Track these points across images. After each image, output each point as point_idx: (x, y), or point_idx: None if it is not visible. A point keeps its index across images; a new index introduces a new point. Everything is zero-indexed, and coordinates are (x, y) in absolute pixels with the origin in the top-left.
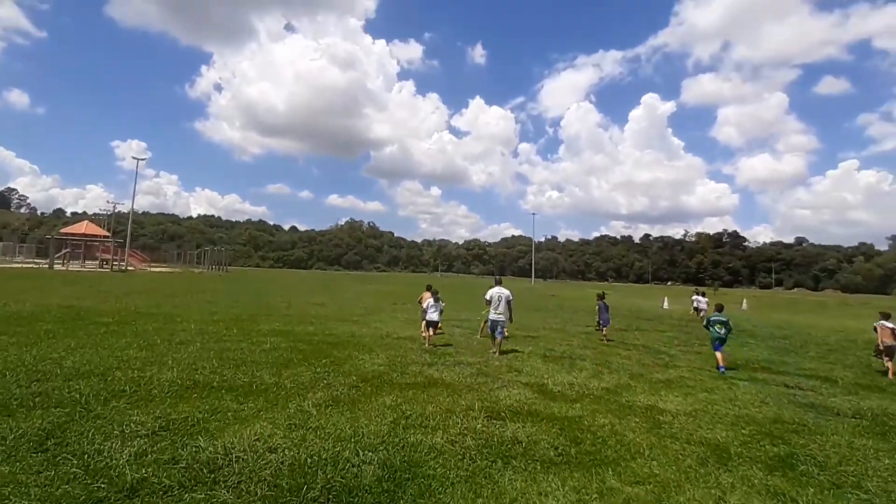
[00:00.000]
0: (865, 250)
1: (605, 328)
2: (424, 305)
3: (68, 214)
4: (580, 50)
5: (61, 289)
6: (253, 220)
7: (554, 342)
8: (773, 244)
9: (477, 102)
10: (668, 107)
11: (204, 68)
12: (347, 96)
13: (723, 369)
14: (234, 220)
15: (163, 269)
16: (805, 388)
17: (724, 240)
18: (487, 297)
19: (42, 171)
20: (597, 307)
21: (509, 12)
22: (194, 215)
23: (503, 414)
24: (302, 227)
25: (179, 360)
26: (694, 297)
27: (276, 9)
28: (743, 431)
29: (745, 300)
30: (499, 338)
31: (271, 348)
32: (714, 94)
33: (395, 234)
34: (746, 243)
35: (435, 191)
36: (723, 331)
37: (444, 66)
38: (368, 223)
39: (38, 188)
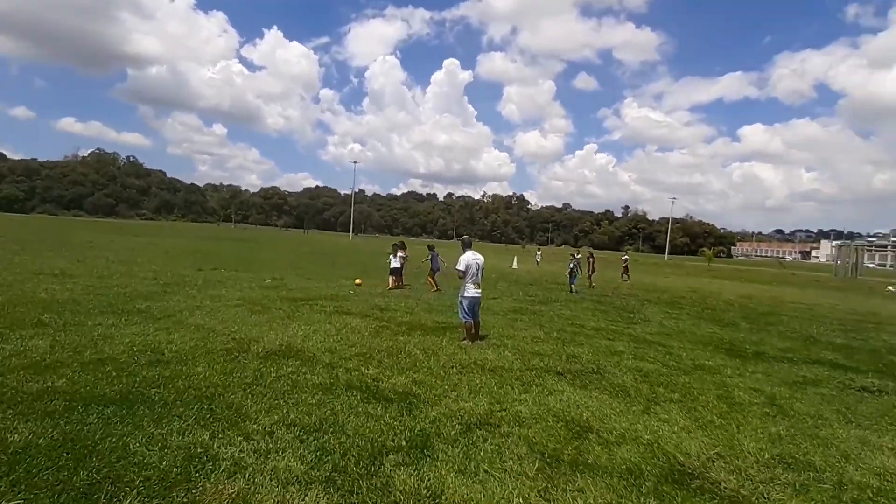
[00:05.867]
0: (608, 216)
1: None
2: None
3: None
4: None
5: None
6: None
7: (515, 335)
8: (546, 208)
9: (274, 34)
10: (466, 76)
11: None
12: None
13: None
14: None
15: None
16: (853, 385)
17: (512, 202)
18: (461, 266)
19: None
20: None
21: None
22: None
23: None
24: (15, 157)
25: None
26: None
27: None
28: None
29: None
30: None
31: None
32: (502, 72)
33: (168, 175)
34: (529, 206)
35: (219, 129)
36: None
37: None
38: (127, 157)
39: None
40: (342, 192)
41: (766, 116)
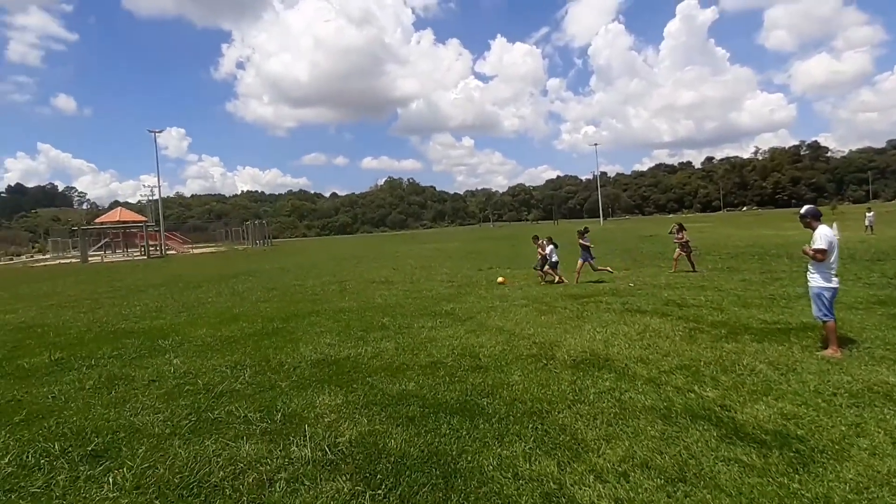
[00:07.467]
0: None
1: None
2: (546, 252)
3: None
4: None
5: (65, 288)
6: (294, 191)
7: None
8: (860, 151)
9: (499, 42)
10: (709, 14)
11: (225, 47)
12: (367, 55)
13: None
14: (277, 193)
15: (205, 250)
16: None
17: (800, 153)
18: (823, 244)
19: (99, 168)
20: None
21: None
22: (239, 193)
23: None
24: (342, 193)
25: None
26: None
27: None
28: None
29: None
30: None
31: (332, 436)
32: None
33: (437, 189)
34: (829, 154)
35: (467, 141)
36: None
37: (460, 6)
38: (408, 180)
39: (99, 185)
40: (583, 178)
41: None
